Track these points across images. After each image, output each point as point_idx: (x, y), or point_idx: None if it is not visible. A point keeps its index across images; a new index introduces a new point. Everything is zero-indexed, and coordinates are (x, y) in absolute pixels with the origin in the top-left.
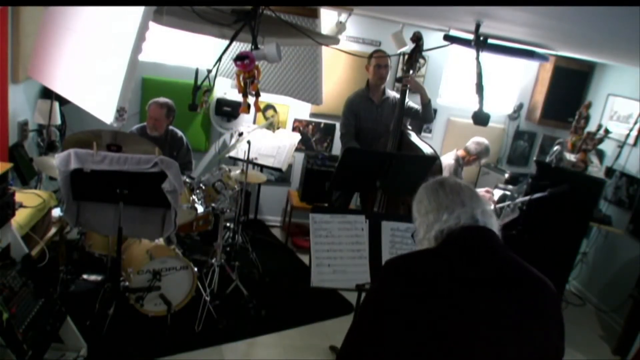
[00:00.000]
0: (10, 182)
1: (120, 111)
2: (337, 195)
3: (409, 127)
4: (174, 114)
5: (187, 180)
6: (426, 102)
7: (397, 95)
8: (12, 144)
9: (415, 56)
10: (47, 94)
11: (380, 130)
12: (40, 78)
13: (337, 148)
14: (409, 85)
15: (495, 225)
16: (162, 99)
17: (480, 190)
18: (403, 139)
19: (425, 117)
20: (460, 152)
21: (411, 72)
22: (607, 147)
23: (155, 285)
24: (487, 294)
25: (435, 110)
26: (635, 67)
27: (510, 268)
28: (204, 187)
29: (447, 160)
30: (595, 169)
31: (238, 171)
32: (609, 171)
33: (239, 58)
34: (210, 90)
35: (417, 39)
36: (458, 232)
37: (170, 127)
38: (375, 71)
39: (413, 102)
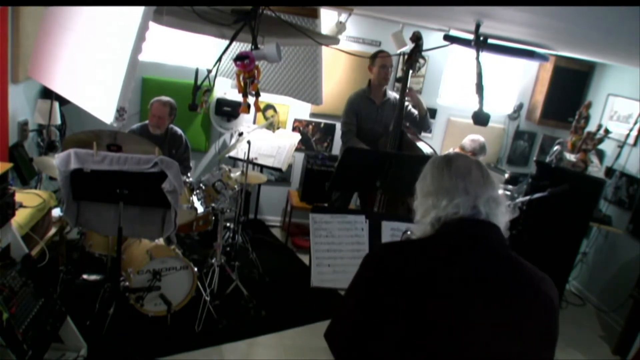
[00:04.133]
0: (10, 182)
1: (120, 111)
2: (337, 195)
3: (408, 124)
4: (175, 113)
5: (188, 180)
6: (423, 115)
7: (398, 96)
8: (12, 144)
9: (414, 56)
10: (47, 94)
11: (380, 131)
12: (40, 78)
13: (337, 148)
14: (408, 99)
15: (501, 215)
16: (165, 98)
17: None
18: (403, 138)
19: (422, 127)
20: (457, 150)
21: (410, 72)
22: (607, 147)
23: (155, 285)
24: (473, 297)
25: (435, 110)
26: (635, 67)
27: (504, 269)
28: (204, 187)
29: None
30: (595, 169)
31: (238, 172)
32: (609, 171)
33: (239, 58)
34: (210, 90)
35: (417, 38)
36: (455, 224)
37: (171, 125)
38: (380, 71)
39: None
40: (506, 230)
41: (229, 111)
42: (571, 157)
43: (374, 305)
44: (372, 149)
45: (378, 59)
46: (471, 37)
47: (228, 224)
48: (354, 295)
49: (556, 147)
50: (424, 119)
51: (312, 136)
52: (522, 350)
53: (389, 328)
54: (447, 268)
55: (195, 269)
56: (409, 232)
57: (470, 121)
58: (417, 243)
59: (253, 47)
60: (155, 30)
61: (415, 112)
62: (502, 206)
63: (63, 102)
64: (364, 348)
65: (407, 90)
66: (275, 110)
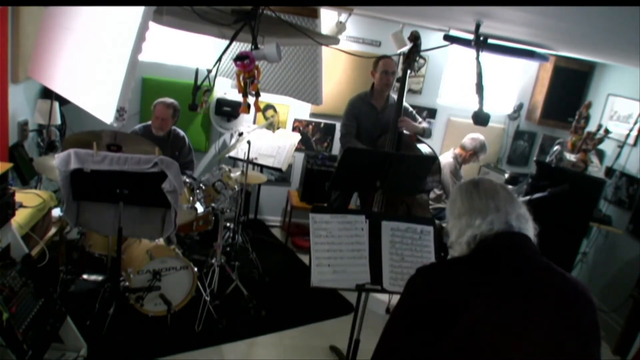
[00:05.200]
0: (10, 182)
1: (120, 111)
2: (336, 195)
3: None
4: (179, 115)
5: (188, 180)
6: (421, 135)
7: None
8: (12, 144)
9: (413, 56)
10: (47, 94)
11: (379, 135)
12: (40, 78)
13: (337, 148)
14: (403, 129)
15: (530, 230)
16: (169, 100)
17: None
18: (401, 139)
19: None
20: (458, 150)
21: (409, 71)
22: (607, 147)
23: (155, 285)
24: (521, 305)
25: (435, 110)
26: (635, 67)
27: (545, 277)
28: (204, 187)
29: (446, 159)
30: (595, 169)
31: (238, 172)
32: (609, 171)
33: (239, 58)
34: (210, 90)
35: (415, 38)
36: (492, 240)
37: (173, 127)
38: (382, 77)
39: (412, 102)
40: (535, 244)
41: (229, 111)
42: (571, 157)
43: (422, 327)
44: (372, 150)
45: (380, 64)
46: (471, 37)
47: (228, 224)
48: (401, 317)
49: (556, 147)
50: (423, 136)
51: (312, 136)
52: (578, 350)
53: (438, 350)
54: (494, 283)
55: (195, 269)
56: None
57: (470, 121)
58: (459, 260)
59: (253, 47)
60: (155, 30)
61: (414, 110)
62: (530, 222)
63: (63, 102)
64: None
65: (400, 121)
66: (275, 110)
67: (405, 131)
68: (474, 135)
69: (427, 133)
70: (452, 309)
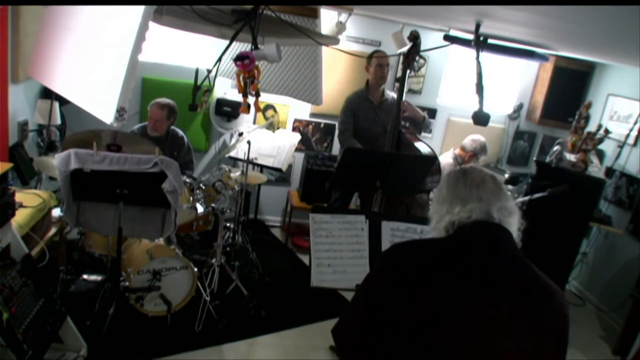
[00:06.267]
0: (10, 182)
1: (120, 111)
2: (337, 195)
3: (407, 126)
4: (175, 115)
5: (188, 180)
6: (421, 121)
7: (396, 96)
8: (12, 144)
9: (412, 56)
10: (47, 94)
11: (379, 131)
12: (40, 78)
13: (337, 148)
14: (405, 111)
15: (514, 224)
16: (164, 100)
17: None
18: (401, 139)
19: (420, 129)
20: (458, 151)
21: (409, 71)
22: (607, 147)
23: (155, 285)
24: (482, 294)
25: (435, 110)
26: (635, 67)
27: (515, 272)
28: (204, 187)
29: (446, 159)
30: (595, 169)
31: (238, 172)
32: (609, 171)
33: (239, 58)
34: (210, 90)
35: (414, 38)
36: (469, 227)
37: (172, 127)
38: (376, 71)
39: (412, 101)
40: (518, 240)
41: (229, 111)
42: (571, 157)
43: (385, 299)
44: (371, 149)
45: (374, 59)
46: (471, 37)
47: (228, 224)
48: (366, 290)
49: (556, 147)
50: (422, 124)
51: (312, 136)
52: (531, 351)
53: (397, 323)
54: (460, 267)
55: (195, 269)
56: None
57: (470, 121)
58: (432, 242)
59: (253, 47)
60: (155, 30)
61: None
62: (515, 216)
63: (63, 102)
64: (371, 343)
65: (402, 104)
66: (275, 110)
67: (406, 114)
68: (475, 137)
69: (426, 122)
70: (415, 287)
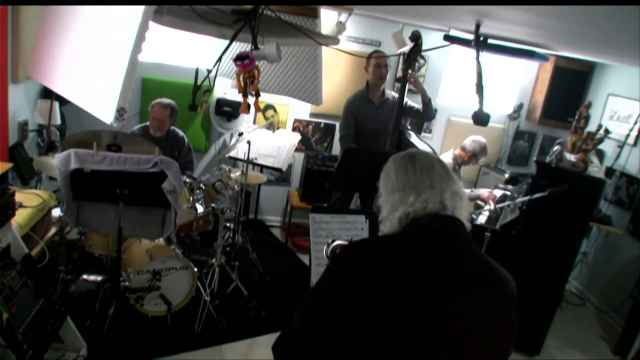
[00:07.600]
0: (10, 182)
1: (120, 111)
2: (337, 196)
3: (409, 127)
4: (176, 115)
5: (188, 180)
6: (427, 102)
7: (397, 95)
8: (12, 144)
9: (413, 56)
10: (47, 94)
11: (380, 131)
12: (40, 78)
13: (337, 148)
14: (409, 84)
15: (464, 208)
16: (166, 100)
17: (483, 192)
18: (402, 138)
19: (426, 115)
20: (458, 151)
21: (410, 71)
22: (607, 147)
23: (155, 285)
24: (442, 289)
25: (435, 110)
26: (635, 67)
27: (471, 264)
28: (204, 187)
29: (446, 159)
30: (595, 169)
31: (238, 172)
32: (609, 171)
33: (239, 58)
34: (210, 90)
35: (416, 37)
36: (423, 220)
37: (172, 127)
38: (375, 71)
39: (413, 101)
40: (468, 222)
41: (229, 111)
42: (571, 157)
43: (339, 302)
44: (371, 149)
45: (372, 59)
46: (471, 37)
47: (228, 224)
48: (317, 295)
49: (556, 147)
50: (428, 106)
51: (312, 136)
52: (490, 339)
53: (354, 324)
54: (418, 262)
55: (195, 269)
56: (335, 244)
57: (471, 121)
58: (388, 238)
59: (253, 47)
60: (155, 30)
61: (416, 105)
62: (465, 200)
63: (63, 102)
64: (324, 348)
65: (409, 75)
66: (275, 110)
67: (413, 88)
68: (476, 138)
69: (430, 104)
70: (374, 288)
